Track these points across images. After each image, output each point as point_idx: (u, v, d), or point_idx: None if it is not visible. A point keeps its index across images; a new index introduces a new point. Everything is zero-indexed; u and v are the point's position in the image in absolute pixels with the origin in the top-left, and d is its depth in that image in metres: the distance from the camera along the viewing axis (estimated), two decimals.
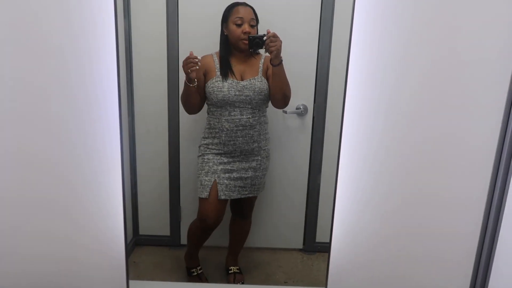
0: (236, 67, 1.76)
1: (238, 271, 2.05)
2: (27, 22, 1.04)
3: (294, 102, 2.09)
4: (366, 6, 1.06)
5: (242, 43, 1.69)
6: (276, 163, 2.17)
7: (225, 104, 1.71)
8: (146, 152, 2.19)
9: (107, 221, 1.18)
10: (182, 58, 2.00)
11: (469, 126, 1.13)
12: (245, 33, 1.67)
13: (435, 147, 1.16)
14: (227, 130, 1.74)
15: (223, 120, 1.73)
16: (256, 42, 1.63)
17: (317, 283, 2.05)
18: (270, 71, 1.75)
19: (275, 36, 1.60)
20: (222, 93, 1.70)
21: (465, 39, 1.07)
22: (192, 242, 1.98)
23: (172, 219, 2.28)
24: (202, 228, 1.85)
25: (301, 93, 2.09)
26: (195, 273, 2.01)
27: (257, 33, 1.75)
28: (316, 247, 2.30)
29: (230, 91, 1.70)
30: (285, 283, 2.04)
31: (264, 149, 1.86)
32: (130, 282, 1.24)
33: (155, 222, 2.29)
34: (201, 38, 1.97)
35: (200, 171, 1.81)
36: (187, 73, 1.64)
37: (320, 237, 2.30)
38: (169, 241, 2.31)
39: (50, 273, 1.24)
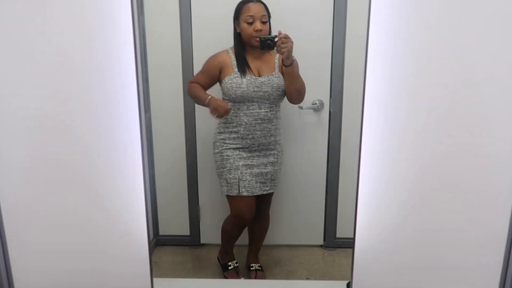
0: (253, 63, 1.76)
1: (259, 268, 2.04)
2: (43, 24, 1.05)
3: (310, 97, 2.08)
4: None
5: (255, 40, 1.69)
6: (294, 160, 2.16)
7: (243, 99, 1.72)
8: (163, 152, 2.21)
9: (130, 219, 1.19)
10: (196, 52, 2.04)
11: (495, 121, 1.10)
12: (256, 31, 1.68)
13: (461, 142, 1.13)
14: (246, 123, 1.74)
15: (241, 114, 1.74)
16: (268, 44, 1.63)
17: (339, 278, 2.02)
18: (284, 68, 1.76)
19: (286, 37, 1.60)
20: (241, 89, 1.71)
21: (490, 40, 1.05)
22: (227, 239, 2.00)
23: (192, 219, 2.29)
24: (238, 224, 1.89)
25: (317, 88, 2.08)
26: (232, 267, 2.02)
27: (270, 28, 1.75)
28: (336, 243, 2.28)
29: (249, 87, 1.71)
30: (307, 279, 2.03)
31: (279, 143, 1.89)
32: (154, 280, 1.24)
33: (175, 222, 2.30)
34: (215, 34, 1.97)
35: (222, 169, 1.81)
36: (214, 113, 1.70)
37: (340, 233, 2.28)
38: (189, 241, 2.32)
39: (76, 272, 1.25)
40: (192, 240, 2.31)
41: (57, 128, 1.13)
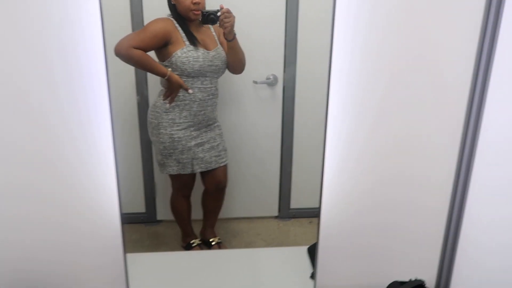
0: (197, 36, 1.73)
1: (220, 241, 2.08)
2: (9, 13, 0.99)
3: (264, 72, 2.11)
4: None
5: (192, 13, 1.65)
6: (248, 134, 2.20)
7: (198, 74, 1.70)
8: (116, 127, 2.14)
9: (100, 193, 1.16)
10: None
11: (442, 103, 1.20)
12: (195, 3, 1.64)
13: (419, 103, 1.21)
14: (200, 100, 1.74)
15: (196, 90, 1.72)
16: (211, 18, 1.62)
17: (295, 245, 2.12)
18: (221, 39, 1.76)
19: (229, 12, 1.61)
20: (199, 63, 1.69)
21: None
22: (182, 218, 2.00)
23: (147, 196, 2.26)
24: (185, 198, 1.93)
25: (271, 63, 2.10)
26: (195, 244, 2.02)
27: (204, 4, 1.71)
28: (291, 213, 2.37)
29: (205, 61, 1.70)
30: None
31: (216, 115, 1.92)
32: (129, 255, 1.24)
33: (130, 199, 2.26)
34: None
35: (172, 150, 1.78)
36: (171, 91, 1.68)
37: (294, 204, 2.36)
38: (145, 218, 2.29)
39: (45, 248, 1.21)
40: (148, 217, 2.29)
41: (18, 108, 1.07)
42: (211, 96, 1.77)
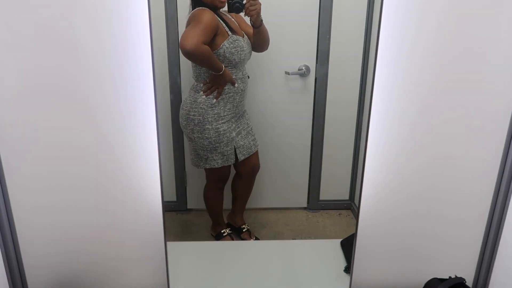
0: (234, 25, 1.73)
1: (248, 227, 2.10)
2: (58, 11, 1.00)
3: (296, 63, 2.09)
4: None
5: (219, 2, 1.61)
6: (280, 124, 2.19)
7: (241, 63, 1.71)
8: None
9: (143, 183, 1.19)
10: (181, 18, 1.98)
11: (487, 96, 1.16)
12: None
13: (461, 114, 1.18)
14: (241, 90, 1.75)
15: (239, 82, 1.72)
16: (236, 7, 1.59)
17: (324, 238, 2.12)
18: (242, 26, 1.78)
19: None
20: (244, 52, 1.69)
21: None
22: (215, 208, 2.00)
23: (178, 184, 2.30)
24: (220, 188, 1.94)
25: (303, 53, 2.09)
26: (226, 233, 2.03)
27: None
28: (320, 205, 2.37)
29: (247, 49, 1.71)
30: (293, 240, 2.11)
31: None
32: (168, 243, 1.26)
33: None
34: None
35: (218, 144, 1.75)
36: (220, 88, 1.67)
37: (323, 196, 2.36)
38: (176, 207, 2.33)
39: (87, 239, 1.25)
40: (179, 206, 2.33)
41: (68, 104, 1.10)
42: (246, 85, 1.78)
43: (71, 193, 1.19)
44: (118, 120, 1.12)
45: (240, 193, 2.07)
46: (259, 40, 1.73)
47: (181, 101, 2.11)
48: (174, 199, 2.32)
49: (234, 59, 1.66)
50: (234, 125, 1.77)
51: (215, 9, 1.63)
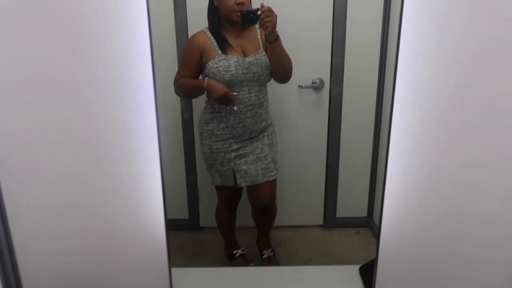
0: (235, 42, 1.61)
1: (272, 253, 1.99)
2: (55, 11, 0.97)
3: (310, 76, 2.03)
4: None
5: (235, 15, 1.53)
6: (294, 139, 2.13)
7: (232, 84, 1.58)
8: (160, 135, 2.14)
9: (146, 208, 1.14)
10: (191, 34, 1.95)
11: None
12: (238, 4, 1.51)
13: (495, 122, 1.08)
14: (236, 112, 1.62)
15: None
16: (250, 18, 1.50)
17: (341, 258, 2.03)
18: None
19: (270, 10, 1.46)
20: (230, 73, 1.56)
21: None
22: (225, 228, 1.94)
23: (190, 202, 2.25)
24: (228, 211, 1.88)
25: (317, 67, 2.03)
26: (238, 254, 1.96)
27: (250, 5, 1.60)
28: (336, 222, 2.28)
29: (238, 70, 1.57)
30: (309, 260, 2.03)
31: (271, 124, 1.79)
32: (173, 269, 1.21)
33: (174, 205, 2.27)
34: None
35: (213, 161, 1.70)
36: (219, 100, 1.58)
37: (340, 213, 2.28)
38: (188, 224, 2.28)
39: (89, 263, 1.21)
40: (191, 224, 2.28)
41: (67, 110, 1.06)
42: (250, 107, 1.62)
43: (72, 210, 1.15)
44: (121, 136, 1.08)
45: (257, 221, 1.97)
46: (275, 59, 1.60)
47: (192, 119, 2.09)
48: (186, 216, 2.28)
49: (217, 80, 1.57)
50: (234, 146, 1.67)
51: (218, 26, 1.60)
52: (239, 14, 1.52)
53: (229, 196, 1.82)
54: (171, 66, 2.00)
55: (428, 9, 0.99)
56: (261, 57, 1.62)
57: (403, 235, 1.18)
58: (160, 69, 1.99)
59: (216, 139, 1.67)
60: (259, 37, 1.66)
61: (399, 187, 1.14)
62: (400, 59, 1.02)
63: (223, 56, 1.57)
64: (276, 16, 1.49)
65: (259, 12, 1.49)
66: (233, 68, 1.57)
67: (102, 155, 1.11)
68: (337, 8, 1.93)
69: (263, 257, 1.97)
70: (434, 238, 1.20)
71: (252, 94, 1.63)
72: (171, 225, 2.31)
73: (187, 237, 2.24)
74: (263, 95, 1.69)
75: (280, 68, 1.63)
